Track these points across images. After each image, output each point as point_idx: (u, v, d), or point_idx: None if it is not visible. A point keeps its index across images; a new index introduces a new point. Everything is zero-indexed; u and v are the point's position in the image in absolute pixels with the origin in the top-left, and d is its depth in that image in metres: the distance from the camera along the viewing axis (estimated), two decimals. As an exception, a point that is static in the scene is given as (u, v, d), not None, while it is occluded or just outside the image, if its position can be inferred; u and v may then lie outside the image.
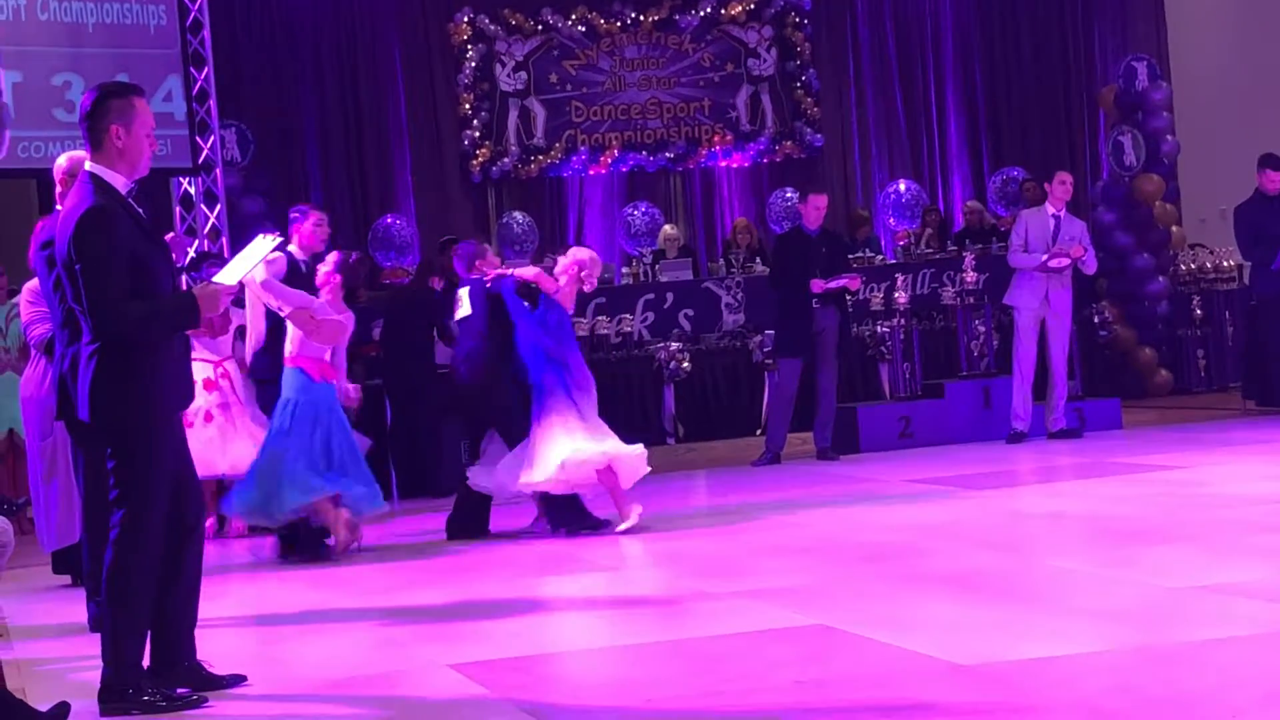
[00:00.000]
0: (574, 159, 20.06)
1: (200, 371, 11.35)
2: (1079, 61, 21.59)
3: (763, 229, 19.57)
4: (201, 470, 11.25)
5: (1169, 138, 18.11)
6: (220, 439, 11.64)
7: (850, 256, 15.78)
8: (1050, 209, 14.21)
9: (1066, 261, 13.97)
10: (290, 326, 10.32)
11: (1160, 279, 17.65)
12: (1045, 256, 13.94)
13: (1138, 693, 5.58)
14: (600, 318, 16.74)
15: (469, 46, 19.84)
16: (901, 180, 20.40)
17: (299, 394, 10.27)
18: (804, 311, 13.93)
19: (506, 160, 19.85)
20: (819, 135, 20.71)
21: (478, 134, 19.79)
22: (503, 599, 8.52)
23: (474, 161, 19.76)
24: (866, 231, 19.40)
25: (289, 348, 10.37)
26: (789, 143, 20.64)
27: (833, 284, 13.86)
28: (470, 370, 11.02)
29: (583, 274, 10.96)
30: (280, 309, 10.33)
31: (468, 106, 19.78)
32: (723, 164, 20.66)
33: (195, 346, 11.21)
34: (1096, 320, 17.25)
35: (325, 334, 10.30)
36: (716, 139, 20.43)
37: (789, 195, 19.11)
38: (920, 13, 21.34)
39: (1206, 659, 6.04)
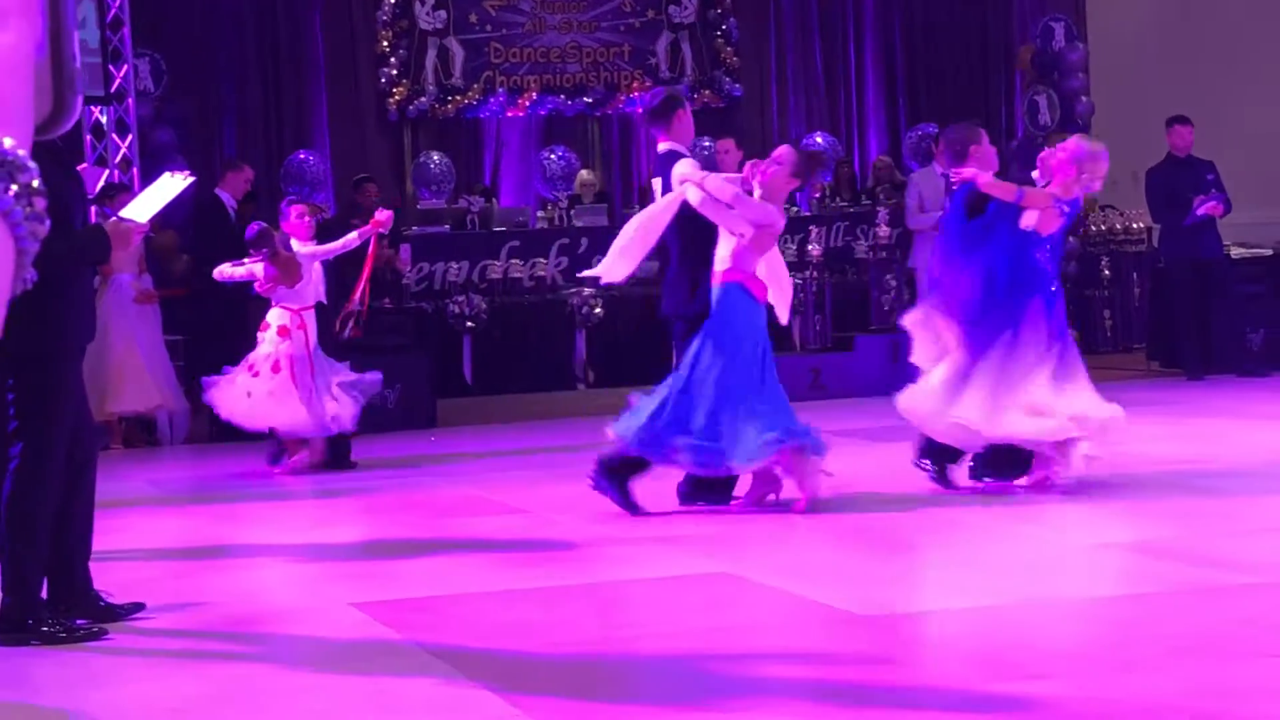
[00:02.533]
0: (492, 100, 19.96)
1: (277, 318, 11.19)
2: (997, 20, 21.66)
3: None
4: (250, 422, 11.24)
5: (1084, 98, 18.23)
6: (281, 393, 11.14)
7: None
8: (938, 168, 14.34)
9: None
10: (725, 236, 9.01)
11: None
12: (939, 215, 14.05)
13: (1034, 645, 5.65)
14: (514, 261, 16.71)
15: (389, -17, 19.69)
16: (818, 133, 20.42)
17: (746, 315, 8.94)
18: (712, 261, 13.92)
19: (424, 100, 19.72)
20: (738, 85, 20.70)
21: (395, 72, 19.65)
22: (412, 539, 8.52)
23: (391, 100, 19.63)
24: (782, 183, 19.39)
25: (724, 260, 9.02)
26: (708, 91, 20.61)
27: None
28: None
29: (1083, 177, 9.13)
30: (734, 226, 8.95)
31: (386, 44, 19.63)
32: (641, 110, 20.60)
33: (276, 291, 11.17)
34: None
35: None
36: (635, 85, 20.37)
37: (706, 144, 19.11)
38: (842, -34, 21.34)
39: (1104, 614, 6.12)
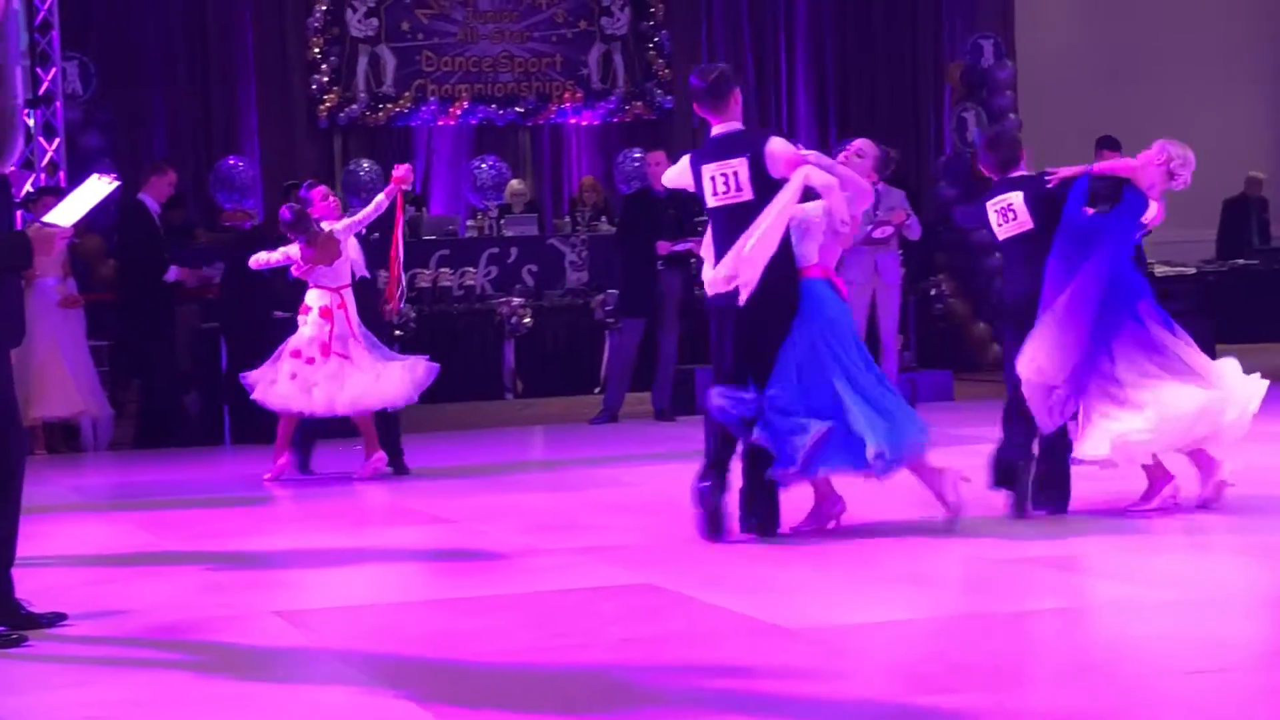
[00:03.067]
0: (423, 109, 19.93)
1: (317, 299, 10.99)
2: (928, 36, 21.77)
3: (610, 188, 19.58)
4: (323, 409, 10.91)
5: (1011, 115, 18.36)
6: (340, 375, 10.92)
7: (697, 220, 15.84)
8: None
9: (890, 230, 14.15)
10: (806, 232, 8.32)
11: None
12: (870, 227, 14.13)
13: (952, 659, 5.70)
14: (443, 270, 16.69)
15: (321, -11, 19.63)
16: (748, 146, 20.47)
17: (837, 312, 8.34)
18: (648, 272, 13.99)
19: (354, 107, 19.68)
20: (669, 97, 20.73)
21: (326, 79, 19.60)
22: (334, 548, 8.50)
23: (321, 106, 19.57)
24: (712, 195, 19.44)
25: (808, 256, 8.37)
26: (639, 103, 20.65)
27: (678, 246, 13.93)
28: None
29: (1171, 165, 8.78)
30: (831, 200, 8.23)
31: (317, 50, 19.58)
32: (572, 121, 20.63)
33: (313, 272, 10.95)
34: (933, 293, 17.47)
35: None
36: (567, 96, 20.39)
37: (637, 155, 19.13)
38: (775, -20, 21.42)
39: (1020, 628, 6.17)
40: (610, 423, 14.04)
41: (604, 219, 18.07)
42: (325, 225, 11.08)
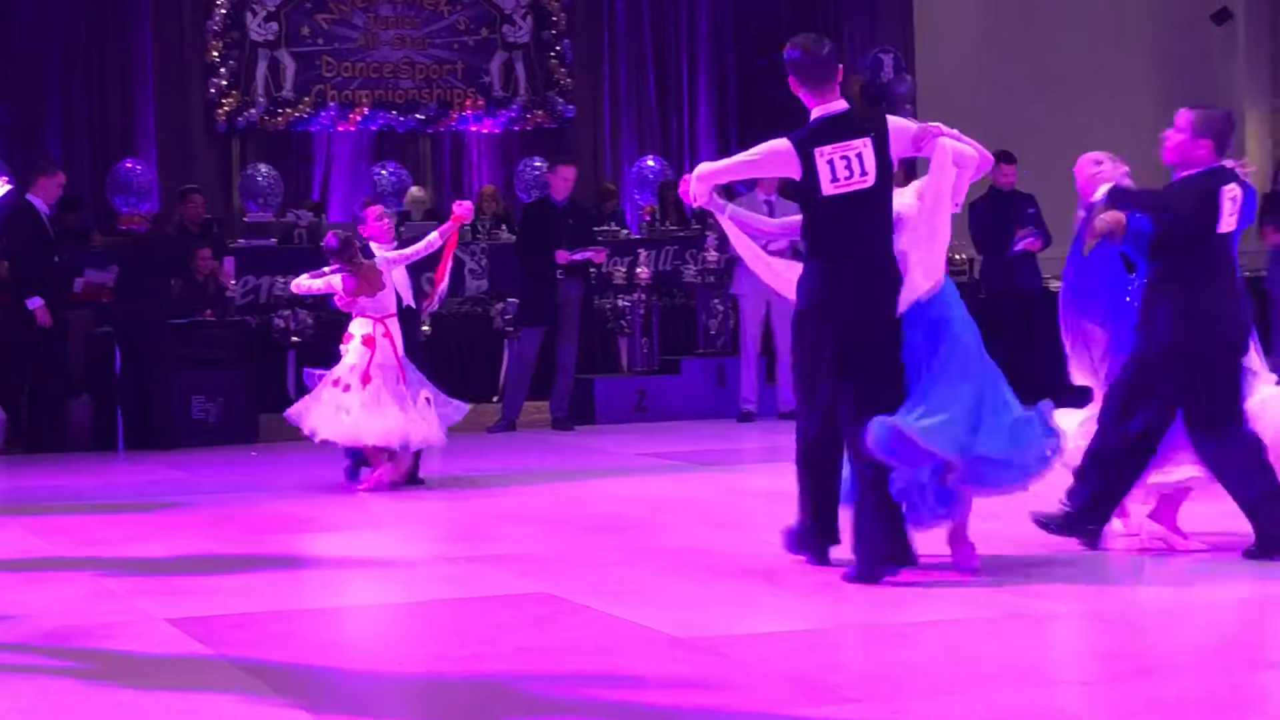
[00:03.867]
0: (323, 114, 19.82)
1: (360, 328, 10.74)
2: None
3: (510, 197, 19.55)
4: (353, 440, 10.62)
5: (911, 130, 18.47)
6: (375, 405, 10.60)
7: (595, 229, 15.88)
8: (761, 195, 14.55)
9: (784, 244, 14.21)
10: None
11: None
12: (763, 242, 14.17)
13: (849, 669, 5.72)
14: (342, 276, 16.58)
15: (221, -8, 19.48)
16: (650, 156, 20.53)
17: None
18: (548, 281, 13.99)
19: (253, 111, 19.53)
20: (571, 106, 20.73)
21: (225, 83, 19.44)
22: (230, 555, 8.42)
23: (219, 110, 19.41)
24: (613, 205, 19.48)
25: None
26: (540, 112, 20.63)
27: (577, 256, 13.94)
28: None
29: None
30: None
31: (215, 54, 19.42)
32: (473, 129, 20.58)
33: (356, 303, 10.68)
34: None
35: None
36: (468, 103, 20.34)
37: (538, 164, 19.11)
38: (677, -9, 21.47)
39: (919, 638, 6.20)
40: (509, 431, 14.01)
41: (504, 228, 18.04)
42: (376, 250, 10.88)
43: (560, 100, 20.64)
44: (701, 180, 7.45)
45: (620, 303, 16.11)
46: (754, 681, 5.59)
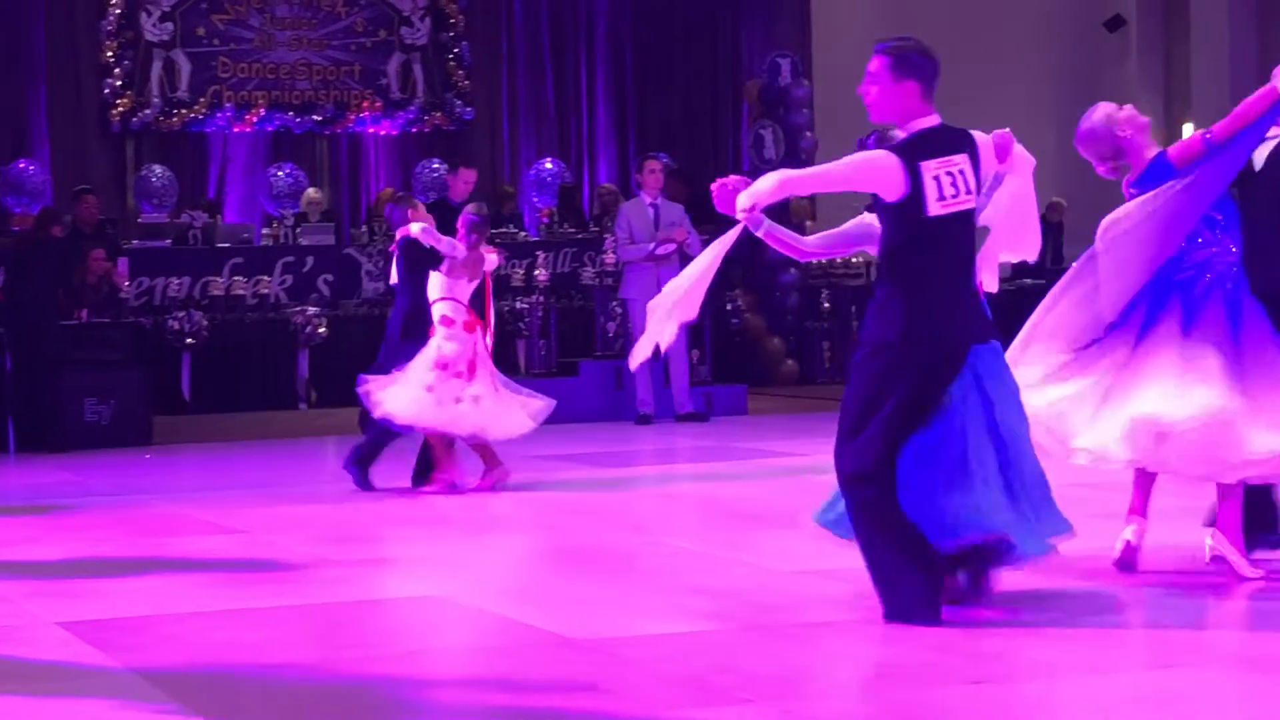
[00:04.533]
0: (219, 115, 19.70)
1: (457, 312, 10.44)
2: (727, 54, 21.98)
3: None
4: (446, 426, 10.24)
5: (808, 134, 18.59)
6: (481, 398, 10.35)
7: (494, 231, 15.86)
8: (646, 198, 14.63)
9: (672, 247, 14.35)
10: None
11: (792, 271, 18.11)
12: (652, 245, 14.30)
13: (742, 669, 5.75)
14: (237, 278, 16.51)
15: (115, -8, 19.31)
16: (548, 159, 20.54)
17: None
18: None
19: (148, 112, 19.38)
20: (469, 108, 20.71)
21: (119, 83, 19.28)
22: (123, 558, 8.35)
23: (114, 111, 19.25)
24: (511, 207, 19.48)
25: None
26: (438, 114, 20.60)
27: (474, 257, 13.91)
28: None
29: None
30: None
31: (110, 54, 19.26)
32: (371, 130, 20.52)
33: (452, 281, 10.38)
34: (729, 308, 17.62)
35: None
36: (366, 105, 20.28)
37: (436, 166, 19.08)
38: (575, -5, 21.49)
39: (810, 639, 6.25)
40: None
41: (401, 229, 17.99)
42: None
43: (458, 102, 20.62)
44: (768, 195, 6.46)
45: (518, 305, 16.12)
46: (646, 682, 5.61)
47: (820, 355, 17.98)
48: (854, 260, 18.36)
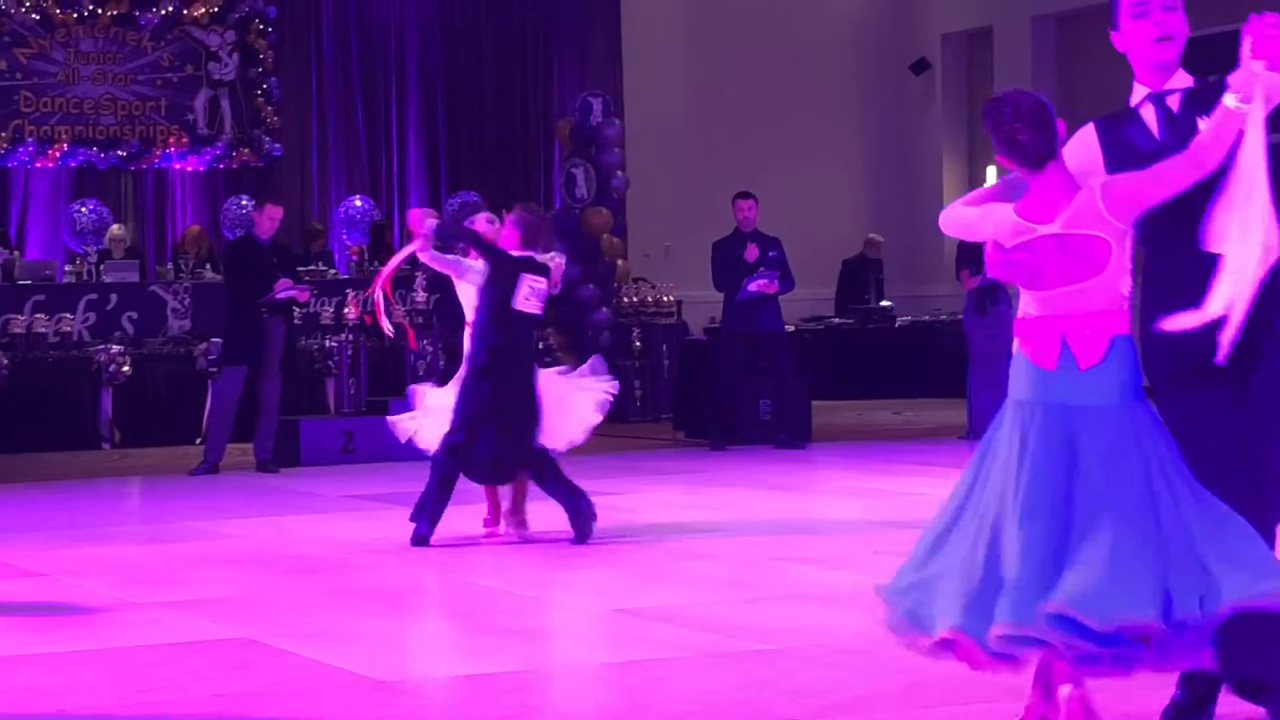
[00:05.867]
0: (20, 150, 19.34)
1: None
2: (539, 92, 22.03)
3: (215, 235, 19.28)
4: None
5: (620, 173, 18.68)
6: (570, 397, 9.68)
7: (302, 269, 15.74)
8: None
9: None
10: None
11: (604, 310, 18.16)
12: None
13: (552, 710, 5.73)
14: (39, 315, 16.21)
15: (-88, 24, 18.94)
16: (358, 196, 20.43)
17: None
18: (252, 321, 13.80)
19: (-52, 146, 19.00)
20: (278, 144, 20.54)
21: (-82, 117, 18.88)
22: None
23: (-88, 144, 18.85)
24: (321, 244, 19.35)
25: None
26: (246, 150, 20.40)
27: (280, 294, 13.78)
28: None
29: None
30: None
31: (-92, 87, 18.85)
32: (177, 166, 20.27)
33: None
34: (540, 347, 17.60)
35: None
36: (172, 140, 20.03)
37: (244, 202, 18.89)
38: (385, 32, 21.41)
39: (621, 679, 6.24)
40: (212, 473, 13.78)
41: (209, 267, 17.79)
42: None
43: (267, 139, 20.45)
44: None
45: (328, 343, 15.99)
46: (455, 723, 5.58)
47: (632, 394, 18.02)
48: (666, 299, 18.46)
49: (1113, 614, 4.57)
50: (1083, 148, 5.06)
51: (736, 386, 15.14)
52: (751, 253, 14.87)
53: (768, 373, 15.10)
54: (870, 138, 23.70)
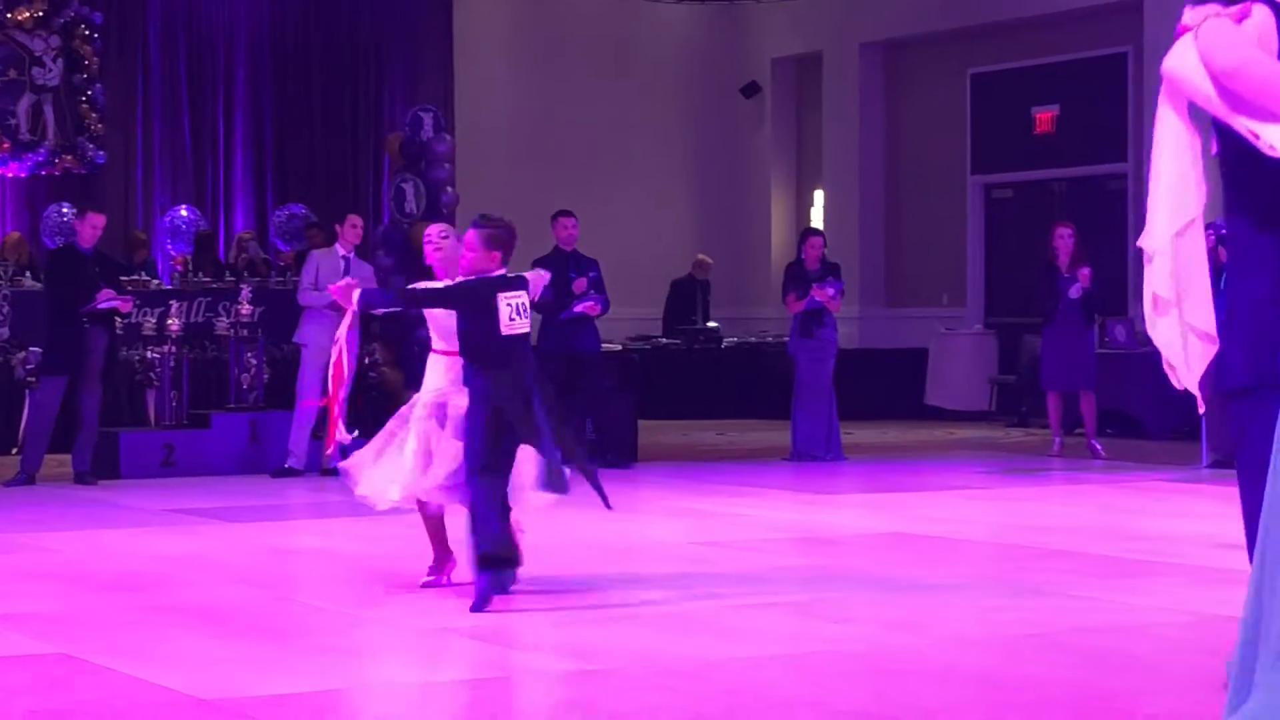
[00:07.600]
0: None
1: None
2: (369, 106, 21.94)
3: (35, 243, 18.96)
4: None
5: (449, 189, 18.61)
6: None
7: (125, 279, 15.53)
8: (340, 250, 14.64)
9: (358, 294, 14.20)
10: None
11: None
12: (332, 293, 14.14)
13: (374, 730, 5.71)
14: None
15: None
16: (184, 205, 20.20)
17: None
18: (72, 330, 13.60)
19: None
20: (102, 152, 20.25)
21: None
22: None
23: None
24: (144, 254, 19.10)
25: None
26: (70, 157, 20.09)
27: (101, 304, 13.59)
28: None
29: None
30: None
31: None
32: (-2, 172, 19.93)
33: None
34: (367, 361, 17.51)
35: None
36: (-8, 146, 19.68)
37: (65, 210, 18.59)
38: (214, 40, 21.21)
39: (440, 697, 6.23)
40: (28, 485, 13.54)
41: (28, 274, 17.49)
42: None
43: (91, 146, 20.16)
44: None
45: (149, 354, 15.77)
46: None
47: (456, 410, 17.96)
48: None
49: None
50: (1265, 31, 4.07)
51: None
52: (580, 285, 14.94)
53: (588, 392, 15.14)
54: (700, 159, 23.88)
